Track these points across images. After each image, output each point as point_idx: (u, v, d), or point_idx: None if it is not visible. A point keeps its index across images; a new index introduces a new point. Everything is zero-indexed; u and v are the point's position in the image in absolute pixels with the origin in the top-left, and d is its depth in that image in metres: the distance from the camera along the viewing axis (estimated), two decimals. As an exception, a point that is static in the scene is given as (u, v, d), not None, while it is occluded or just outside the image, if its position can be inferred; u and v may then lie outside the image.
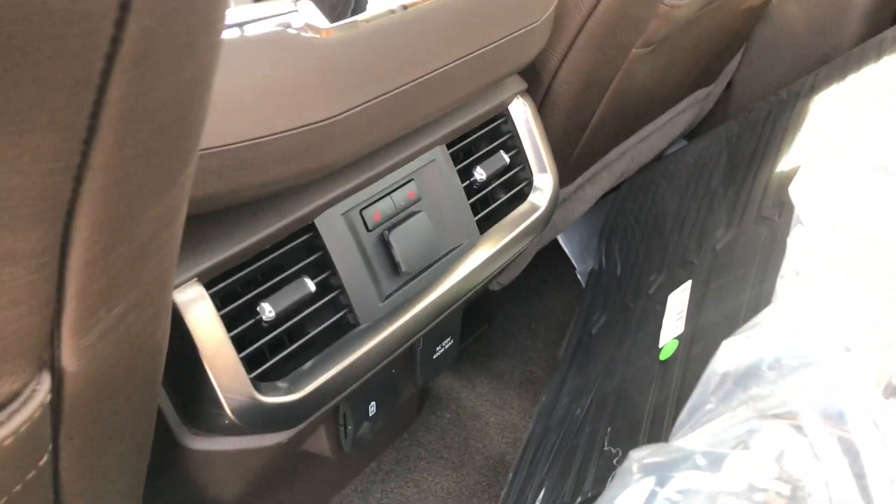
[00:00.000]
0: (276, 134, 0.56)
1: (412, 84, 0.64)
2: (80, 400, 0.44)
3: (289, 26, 0.57)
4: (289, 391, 0.66)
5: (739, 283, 0.90)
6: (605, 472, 0.88)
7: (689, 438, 0.46)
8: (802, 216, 0.57)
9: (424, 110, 0.69)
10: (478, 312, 1.44)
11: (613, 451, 0.90)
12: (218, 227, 0.63)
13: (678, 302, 1.01)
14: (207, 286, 0.63)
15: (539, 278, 1.54)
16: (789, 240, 0.59)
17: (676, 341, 0.94)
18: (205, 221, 0.62)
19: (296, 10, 0.56)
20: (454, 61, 0.67)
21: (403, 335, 0.76)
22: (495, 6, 0.70)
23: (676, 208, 1.26)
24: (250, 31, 0.55)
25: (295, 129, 0.57)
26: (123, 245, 0.37)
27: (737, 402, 0.46)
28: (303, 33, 0.56)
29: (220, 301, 0.66)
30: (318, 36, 0.57)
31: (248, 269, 0.66)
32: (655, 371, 0.93)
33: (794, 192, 0.60)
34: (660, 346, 0.97)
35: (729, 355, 0.49)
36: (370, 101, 0.61)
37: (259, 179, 0.57)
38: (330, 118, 0.58)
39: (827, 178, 0.58)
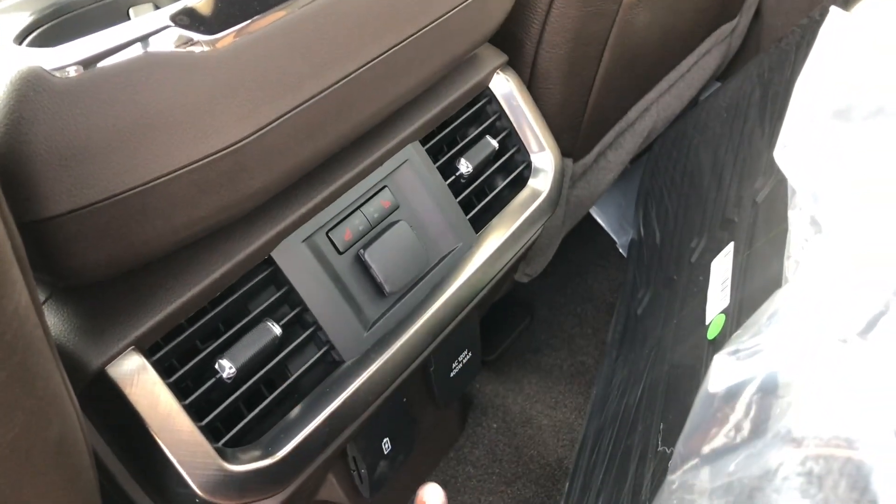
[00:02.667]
0: (177, 170, 0.47)
1: (341, 83, 0.55)
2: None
3: (172, 44, 0.48)
4: (265, 454, 0.58)
5: (785, 238, 0.78)
6: (662, 476, 0.78)
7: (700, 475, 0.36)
8: (794, 184, 0.46)
9: (367, 111, 0.59)
10: (517, 305, 1.34)
11: (668, 451, 0.79)
12: (151, 281, 0.55)
13: (721, 269, 0.89)
14: (153, 349, 0.56)
15: (580, 258, 1.43)
16: (790, 213, 0.48)
17: (723, 316, 0.82)
18: (135, 277, 0.54)
19: (172, 25, 0.47)
20: (390, 49, 0.58)
21: (399, 363, 0.67)
22: (430, -25, 0.60)
23: (712, 161, 1.14)
24: (125, 56, 0.46)
25: (199, 160, 0.48)
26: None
27: (747, 430, 0.35)
28: (188, 49, 0.48)
29: (177, 361, 0.58)
30: (207, 49, 0.48)
31: (202, 321, 0.58)
32: (704, 353, 0.82)
33: (780, 156, 0.48)
34: (707, 322, 0.86)
35: (725, 373, 0.39)
36: (288, 112, 0.52)
37: (168, 226, 0.49)
38: (241, 140, 0.49)
39: (807, 135, 0.46)
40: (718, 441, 0.38)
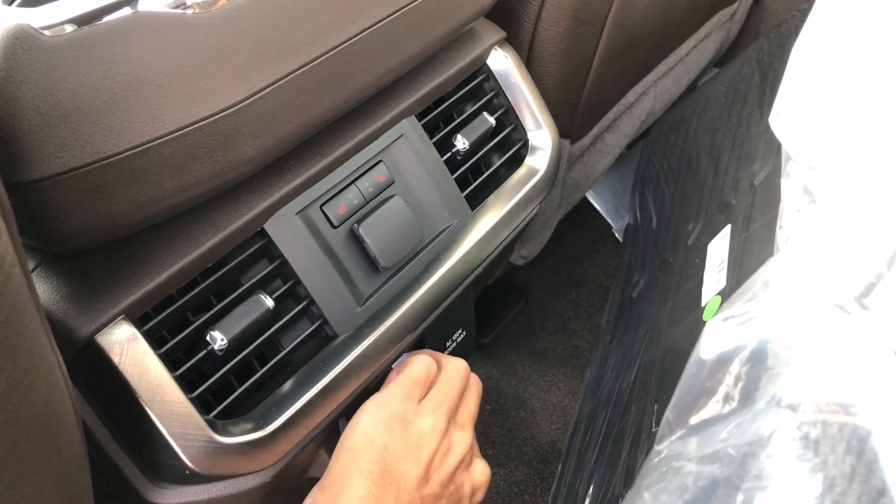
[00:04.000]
0: (168, 134, 0.46)
1: (336, 50, 0.54)
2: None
3: (165, 5, 0.47)
4: (256, 427, 0.57)
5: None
6: (656, 457, 0.77)
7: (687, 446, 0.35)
8: (790, 150, 0.45)
9: (363, 80, 0.59)
10: (512, 289, 1.34)
11: (662, 432, 0.79)
12: (143, 250, 0.54)
13: (718, 251, 0.89)
14: (145, 318, 0.55)
15: (576, 242, 1.43)
16: (783, 181, 0.47)
17: (719, 298, 0.82)
18: (126, 246, 0.53)
19: (166, -16, 0.46)
20: (387, 17, 0.57)
21: (392, 339, 0.66)
22: (429, -57, 0.59)
23: (710, 145, 1.13)
24: (115, 16, 0.45)
25: (191, 124, 0.47)
26: None
27: (738, 397, 0.35)
28: (182, 10, 0.47)
29: (168, 333, 0.57)
30: (201, 11, 0.47)
31: (194, 292, 0.57)
32: (699, 334, 0.82)
33: (775, 122, 0.47)
34: (702, 304, 0.85)
35: (717, 339, 0.39)
36: (282, 78, 0.51)
37: (158, 191, 0.48)
38: (233, 105, 0.49)
39: (806, 100, 0.45)
40: (709, 408, 0.38)
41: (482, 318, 1.28)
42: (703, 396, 0.38)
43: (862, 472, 0.28)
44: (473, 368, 1.21)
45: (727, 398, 0.37)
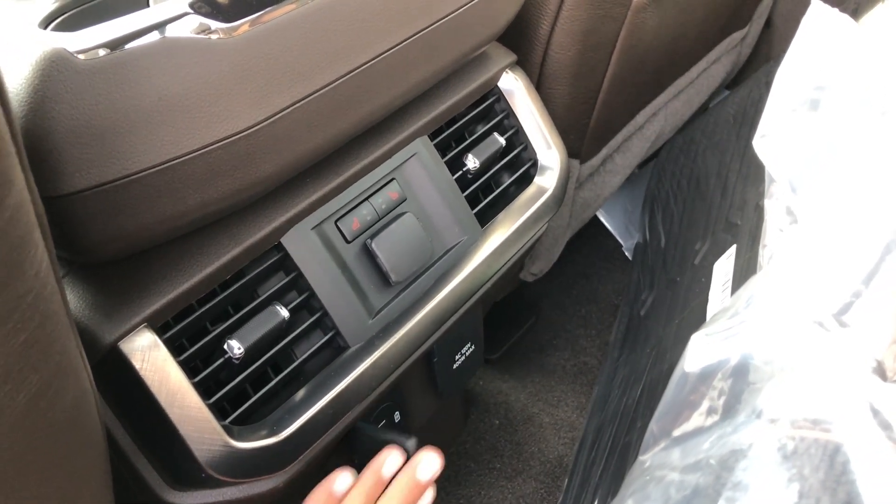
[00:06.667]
0: (192, 152, 0.49)
1: (351, 74, 0.56)
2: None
3: (190, 31, 0.50)
4: (270, 433, 0.60)
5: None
6: (659, 471, 0.79)
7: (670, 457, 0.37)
8: (773, 172, 0.47)
9: (377, 102, 0.61)
10: (524, 305, 1.36)
11: (665, 447, 0.80)
12: (164, 261, 0.57)
13: (723, 271, 0.91)
14: (165, 327, 0.57)
15: (586, 259, 1.44)
16: (766, 202, 0.49)
17: (723, 316, 0.83)
18: (148, 257, 0.56)
19: (191, 13, 0.49)
20: (401, 42, 0.59)
21: (403, 351, 0.69)
22: (443, -28, 0.62)
23: (718, 166, 1.15)
24: (145, 40, 0.48)
25: (213, 143, 0.50)
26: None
27: (721, 410, 0.37)
28: (206, 36, 0.50)
29: (187, 341, 0.60)
30: (224, 37, 0.50)
31: (212, 303, 0.60)
32: (704, 352, 0.83)
33: (759, 145, 0.49)
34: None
35: (701, 353, 0.40)
36: (300, 100, 0.53)
37: (181, 206, 0.51)
38: (253, 126, 0.51)
39: (786, 125, 0.47)
40: (693, 420, 0.39)
41: (493, 333, 1.30)
42: (687, 409, 0.40)
43: (831, 484, 0.30)
44: (483, 382, 1.24)
45: (710, 411, 0.39)
